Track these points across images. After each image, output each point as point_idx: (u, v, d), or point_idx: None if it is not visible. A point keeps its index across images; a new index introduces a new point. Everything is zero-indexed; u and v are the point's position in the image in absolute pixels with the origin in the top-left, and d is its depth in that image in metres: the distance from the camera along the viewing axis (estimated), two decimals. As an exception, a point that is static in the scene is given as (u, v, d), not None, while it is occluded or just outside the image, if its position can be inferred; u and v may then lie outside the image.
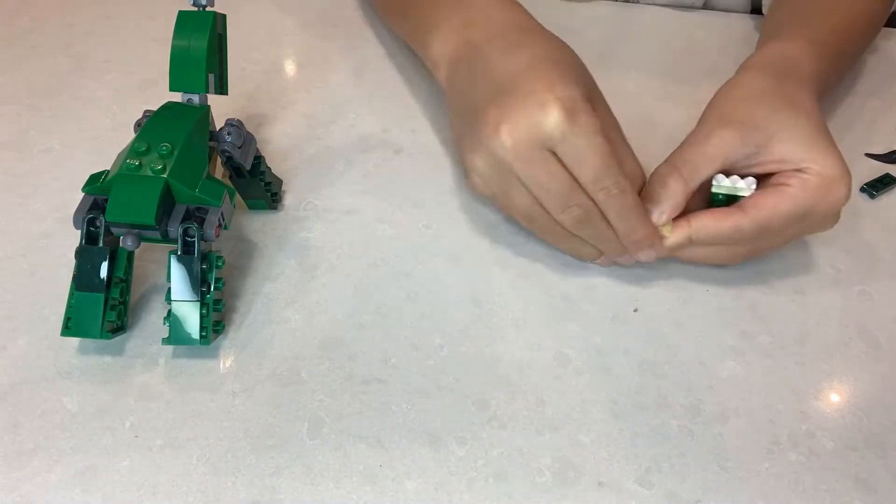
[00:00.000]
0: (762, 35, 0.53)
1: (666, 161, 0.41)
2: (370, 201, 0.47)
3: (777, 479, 0.35)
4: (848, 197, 0.39)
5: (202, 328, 0.36)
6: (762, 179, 0.41)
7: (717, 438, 0.36)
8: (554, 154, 0.37)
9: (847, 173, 0.39)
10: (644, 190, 0.41)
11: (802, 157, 0.39)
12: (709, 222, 0.39)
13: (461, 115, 0.42)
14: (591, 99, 0.38)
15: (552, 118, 0.36)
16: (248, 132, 0.41)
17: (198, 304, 0.36)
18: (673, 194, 0.39)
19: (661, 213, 0.40)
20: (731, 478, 0.35)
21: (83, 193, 0.36)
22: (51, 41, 0.59)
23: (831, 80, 0.48)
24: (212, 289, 0.37)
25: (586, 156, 0.37)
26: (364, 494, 0.33)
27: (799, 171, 0.39)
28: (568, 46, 0.42)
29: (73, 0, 0.64)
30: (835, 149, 0.39)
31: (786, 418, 0.37)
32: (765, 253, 0.42)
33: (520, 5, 0.45)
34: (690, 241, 0.40)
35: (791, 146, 0.39)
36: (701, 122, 0.42)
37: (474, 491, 0.34)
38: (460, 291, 0.42)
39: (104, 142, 0.50)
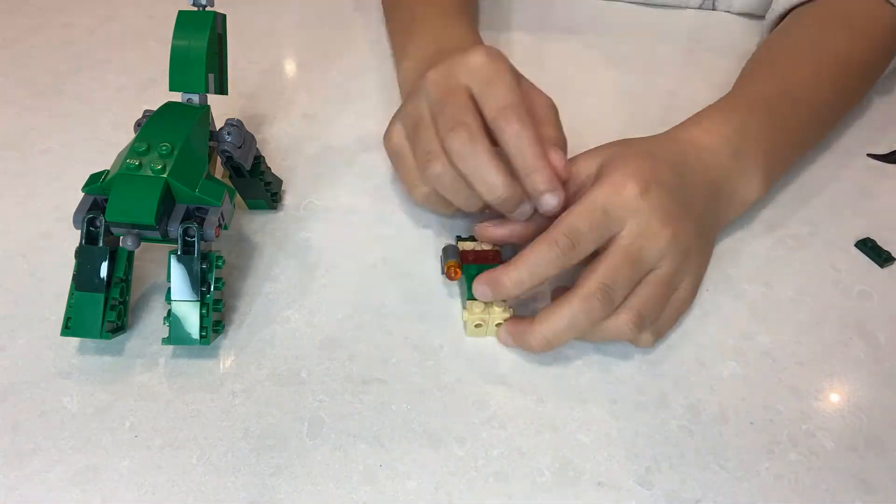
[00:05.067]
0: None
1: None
2: (370, 201, 0.47)
3: (777, 479, 0.35)
4: (641, 196, 0.36)
5: (202, 328, 0.36)
6: None
7: (717, 438, 0.36)
8: (471, 96, 0.39)
9: (638, 179, 0.37)
10: None
11: (605, 166, 0.39)
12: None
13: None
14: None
15: (473, 58, 0.39)
16: (247, 132, 0.41)
17: (198, 304, 0.36)
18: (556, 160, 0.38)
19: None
20: (731, 478, 0.35)
21: (83, 193, 0.36)
22: (51, 41, 0.60)
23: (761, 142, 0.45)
24: (212, 289, 0.37)
25: (495, 84, 0.38)
26: (364, 494, 0.33)
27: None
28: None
29: (73, 0, 0.64)
30: (635, 170, 0.38)
31: (786, 418, 0.37)
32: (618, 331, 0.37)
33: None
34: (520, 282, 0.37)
35: (605, 163, 0.39)
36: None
37: (474, 491, 0.34)
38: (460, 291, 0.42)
39: (104, 142, 0.50)
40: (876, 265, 0.45)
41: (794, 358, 0.40)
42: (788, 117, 0.46)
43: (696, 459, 0.35)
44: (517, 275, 0.37)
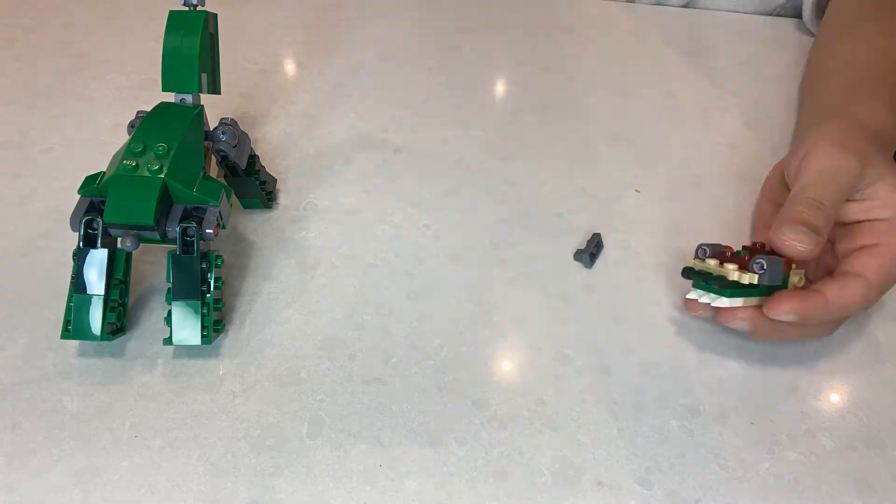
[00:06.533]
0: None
1: (797, 192, 0.39)
2: (370, 201, 0.47)
3: (777, 479, 0.35)
4: None
5: (203, 327, 0.36)
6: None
7: (717, 438, 0.36)
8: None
9: None
10: (780, 219, 0.38)
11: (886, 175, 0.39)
12: (838, 293, 0.37)
13: None
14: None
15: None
16: (241, 131, 0.41)
17: (198, 303, 0.36)
18: (823, 229, 0.37)
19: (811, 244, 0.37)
20: (731, 478, 0.35)
21: (79, 196, 0.36)
22: (51, 41, 0.60)
23: None
24: (212, 288, 0.37)
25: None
26: (364, 494, 0.33)
27: (886, 221, 0.39)
28: None
29: (73, 0, 0.64)
30: None
31: (786, 418, 0.37)
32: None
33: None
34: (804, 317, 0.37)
35: (892, 191, 0.39)
36: (807, 145, 0.41)
37: (474, 491, 0.34)
38: (460, 291, 0.42)
39: (104, 142, 0.50)
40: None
41: (794, 358, 0.40)
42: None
43: (696, 459, 0.35)
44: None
